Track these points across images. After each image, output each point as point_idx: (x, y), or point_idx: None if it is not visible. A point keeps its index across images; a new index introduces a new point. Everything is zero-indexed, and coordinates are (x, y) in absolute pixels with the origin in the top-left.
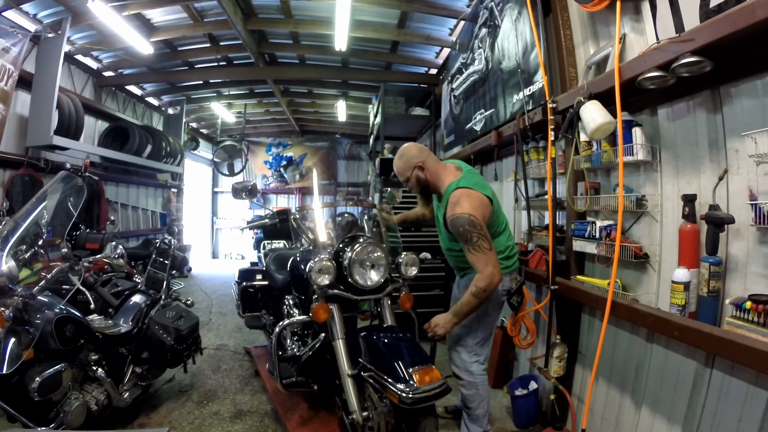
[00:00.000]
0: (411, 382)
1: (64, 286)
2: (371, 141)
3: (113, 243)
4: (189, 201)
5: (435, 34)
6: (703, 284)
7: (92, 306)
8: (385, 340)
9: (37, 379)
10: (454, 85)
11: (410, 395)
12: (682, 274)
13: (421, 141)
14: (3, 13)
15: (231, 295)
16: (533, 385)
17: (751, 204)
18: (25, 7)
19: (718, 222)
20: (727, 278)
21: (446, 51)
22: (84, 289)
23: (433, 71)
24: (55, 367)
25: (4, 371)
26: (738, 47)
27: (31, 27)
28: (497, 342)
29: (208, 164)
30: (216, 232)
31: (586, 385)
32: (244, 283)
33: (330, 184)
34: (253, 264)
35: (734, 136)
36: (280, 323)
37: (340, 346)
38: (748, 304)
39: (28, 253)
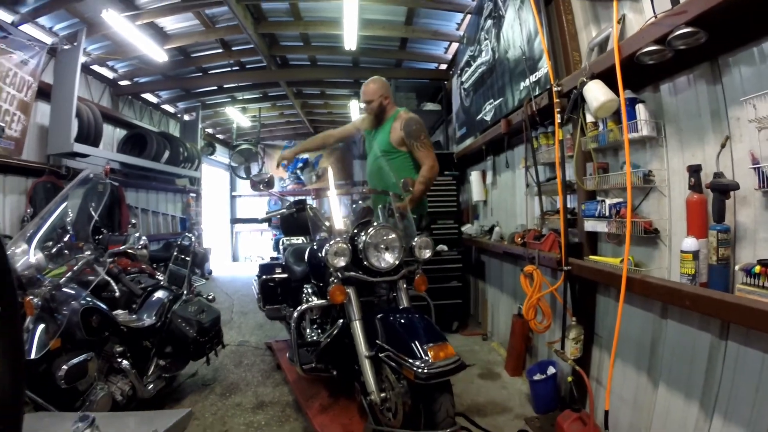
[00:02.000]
0: (426, 358)
1: (89, 277)
2: None
3: (137, 234)
4: (208, 205)
5: (442, 29)
6: (712, 253)
7: (117, 294)
8: (402, 321)
9: (64, 367)
10: (463, 78)
11: (425, 370)
12: (690, 243)
13: (434, 137)
14: (19, 27)
15: (252, 295)
16: (551, 370)
17: (754, 168)
18: (41, 20)
19: (723, 189)
20: (736, 246)
21: (455, 46)
22: (109, 279)
23: (443, 66)
24: (82, 356)
25: (33, 356)
26: (731, 15)
27: (48, 40)
28: (515, 330)
29: (226, 169)
30: (235, 235)
31: (604, 367)
32: (264, 277)
33: (346, 184)
34: (273, 259)
35: (735, 105)
36: (299, 308)
37: (358, 327)
38: (758, 269)
39: (54, 249)
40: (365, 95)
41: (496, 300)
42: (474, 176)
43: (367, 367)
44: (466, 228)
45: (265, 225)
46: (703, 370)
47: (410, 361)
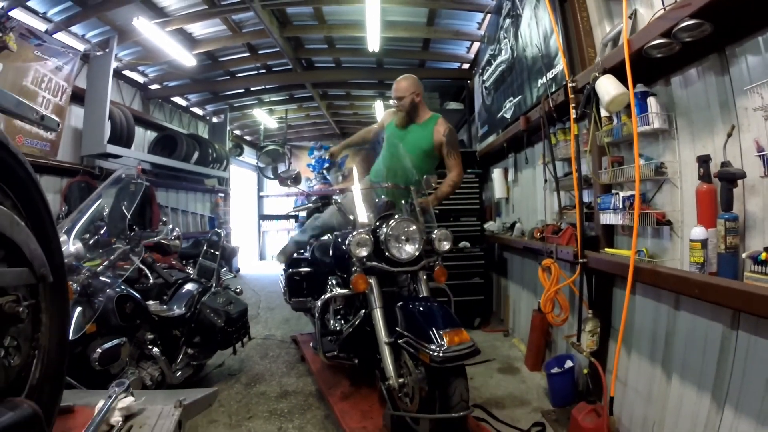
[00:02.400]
0: (441, 343)
1: (125, 266)
2: None
3: (170, 225)
4: (236, 205)
5: (464, 29)
6: (720, 241)
7: (150, 281)
8: (420, 309)
9: (99, 350)
10: (484, 77)
11: (440, 354)
12: (699, 232)
13: (457, 136)
14: (54, 35)
15: (278, 292)
16: (569, 364)
17: (760, 156)
18: (74, 28)
19: (730, 178)
20: (746, 235)
21: (476, 45)
22: (143, 267)
23: (466, 66)
24: (115, 341)
25: (70, 337)
26: (734, 6)
27: (81, 47)
28: (535, 325)
29: (253, 169)
30: (263, 234)
31: (621, 360)
32: (291, 270)
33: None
34: (299, 253)
35: (742, 95)
36: (323, 296)
37: (378, 315)
38: (764, 256)
39: (91, 241)
40: (397, 92)
41: (517, 296)
42: (496, 174)
43: (386, 353)
44: (489, 225)
45: (293, 224)
46: (715, 361)
47: (426, 345)
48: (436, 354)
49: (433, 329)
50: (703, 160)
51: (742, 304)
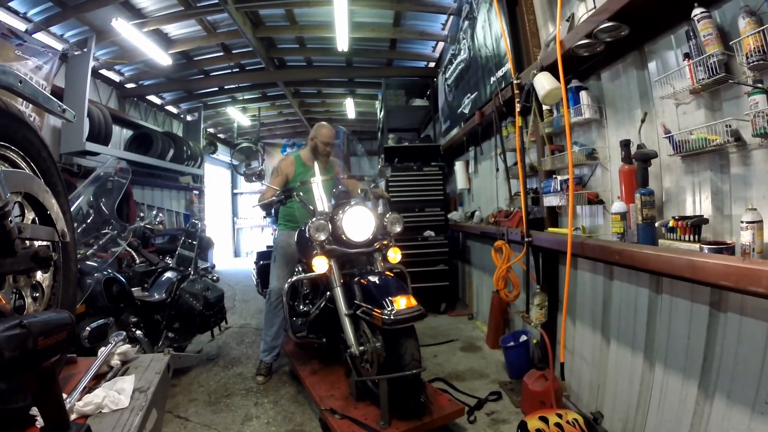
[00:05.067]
0: (392, 308)
1: (112, 249)
2: (380, 136)
3: (154, 211)
4: (210, 202)
5: (429, 30)
6: (638, 213)
7: (137, 261)
8: (375, 282)
9: (88, 328)
10: (447, 75)
11: (391, 317)
12: (618, 206)
13: (424, 132)
14: (33, 35)
15: (252, 286)
16: (523, 338)
17: (667, 137)
18: (53, 28)
19: (644, 158)
20: (664, 208)
21: (441, 45)
22: (130, 250)
23: (432, 65)
24: (103, 320)
25: None
26: (645, 9)
27: (59, 46)
28: (494, 306)
29: (227, 167)
30: (237, 231)
31: (567, 330)
32: (262, 262)
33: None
34: (269, 247)
35: (657, 85)
36: (290, 279)
37: (339, 292)
38: (672, 223)
39: (80, 229)
40: (331, 138)
41: (480, 282)
42: (458, 166)
43: (347, 324)
44: (452, 215)
45: (267, 221)
46: (645, 323)
47: (379, 311)
48: (387, 318)
49: (385, 297)
50: (625, 144)
51: (652, 265)
